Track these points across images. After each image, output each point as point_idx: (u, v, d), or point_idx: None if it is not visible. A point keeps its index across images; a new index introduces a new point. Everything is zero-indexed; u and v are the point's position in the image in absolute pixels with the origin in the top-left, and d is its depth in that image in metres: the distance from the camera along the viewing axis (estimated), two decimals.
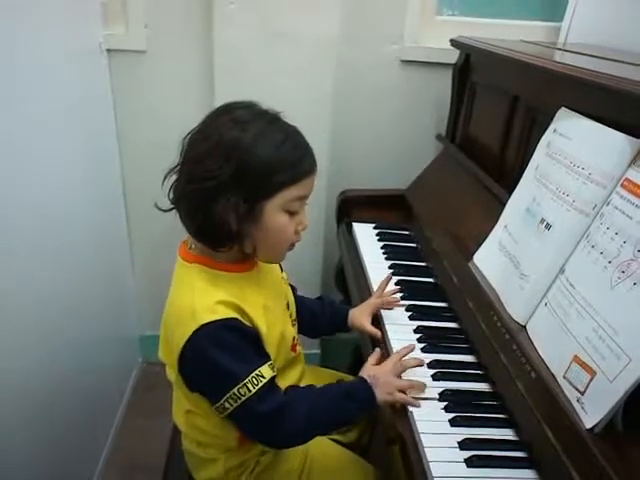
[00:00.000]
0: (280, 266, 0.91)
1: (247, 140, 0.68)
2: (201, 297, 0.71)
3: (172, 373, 0.78)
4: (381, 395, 0.77)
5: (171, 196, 0.74)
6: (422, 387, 0.79)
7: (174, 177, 0.74)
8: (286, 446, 0.81)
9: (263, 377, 0.71)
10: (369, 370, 0.82)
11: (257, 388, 0.70)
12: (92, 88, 1.31)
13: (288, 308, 0.87)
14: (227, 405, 0.71)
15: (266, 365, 0.72)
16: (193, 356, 0.71)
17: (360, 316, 0.96)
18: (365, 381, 0.79)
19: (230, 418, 0.74)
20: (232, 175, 0.67)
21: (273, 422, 0.73)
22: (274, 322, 0.77)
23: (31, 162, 0.98)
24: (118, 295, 1.55)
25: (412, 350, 0.85)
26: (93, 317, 1.32)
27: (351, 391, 0.78)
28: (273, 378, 0.73)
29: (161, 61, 1.42)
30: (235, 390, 0.69)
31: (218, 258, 0.75)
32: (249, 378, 0.70)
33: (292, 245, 0.77)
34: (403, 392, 0.77)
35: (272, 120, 0.72)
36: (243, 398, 0.70)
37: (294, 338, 0.87)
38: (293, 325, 0.88)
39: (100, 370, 1.38)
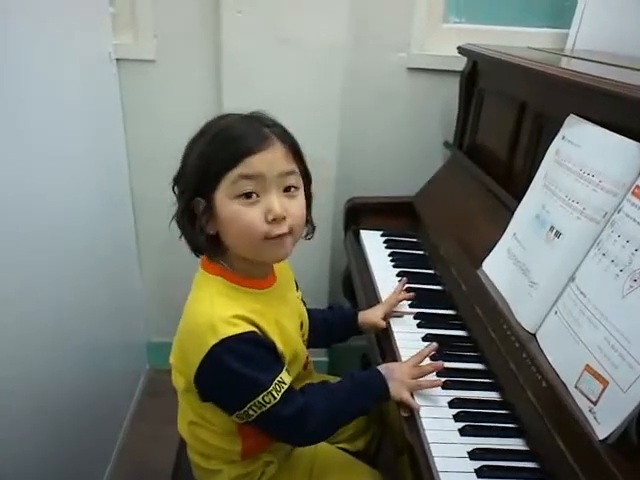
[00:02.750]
0: (296, 285, 0.91)
1: (189, 145, 0.74)
2: (220, 310, 0.71)
3: (180, 380, 0.78)
4: (393, 390, 0.78)
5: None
6: (434, 385, 0.80)
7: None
8: (309, 443, 0.83)
9: (284, 383, 0.72)
10: (387, 364, 0.84)
11: (280, 394, 0.71)
12: (101, 97, 1.33)
13: (301, 328, 0.87)
14: (251, 412, 0.72)
15: (284, 370, 0.74)
16: (214, 368, 0.70)
17: (373, 314, 0.97)
18: (379, 372, 0.80)
19: (253, 423, 0.74)
20: (183, 178, 0.74)
21: (296, 423, 0.74)
22: (287, 339, 0.77)
23: (39, 169, 0.99)
24: (126, 301, 1.56)
25: (435, 349, 0.85)
26: (101, 323, 1.32)
27: (366, 384, 0.80)
28: (290, 383, 0.74)
29: (170, 70, 1.43)
30: (260, 398, 0.70)
31: (239, 273, 0.76)
32: (273, 385, 0.71)
33: (274, 238, 0.70)
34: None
35: (216, 120, 0.74)
36: (268, 405, 0.71)
37: (307, 357, 0.88)
38: (305, 344, 0.88)
39: (107, 376, 1.38)
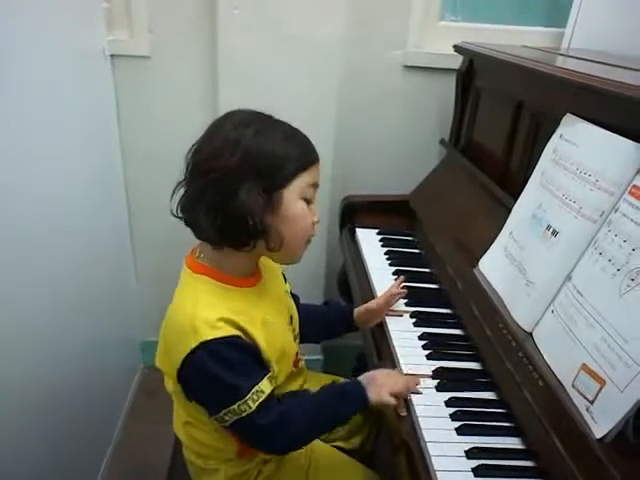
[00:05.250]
0: (284, 278, 0.91)
1: (250, 135, 0.70)
2: (203, 311, 0.70)
3: (170, 382, 0.78)
4: (372, 395, 0.78)
5: (179, 211, 0.74)
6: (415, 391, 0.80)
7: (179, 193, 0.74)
8: (286, 452, 0.82)
9: (263, 392, 0.71)
10: (372, 372, 0.83)
11: (257, 404, 0.70)
12: (96, 93, 1.31)
13: (291, 322, 0.86)
14: (227, 418, 0.71)
15: (265, 379, 0.72)
16: (194, 370, 0.70)
17: (372, 301, 0.99)
18: (359, 382, 0.80)
19: (230, 428, 0.74)
20: (240, 164, 0.68)
21: (272, 433, 0.73)
22: (273, 338, 0.77)
23: (33, 165, 0.98)
24: (120, 300, 1.55)
25: (426, 377, 0.84)
26: (95, 321, 1.31)
27: (344, 393, 0.79)
28: (272, 392, 0.73)
29: (165, 66, 1.42)
30: (235, 406, 0.70)
31: (226, 271, 0.75)
32: (250, 395, 0.70)
33: (309, 241, 0.77)
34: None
35: (270, 117, 0.74)
36: (243, 414, 0.70)
37: (297, 354, 0.87)
38: (295, 339, 0.87)
39: (102, 374, 1.37)
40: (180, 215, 0.74)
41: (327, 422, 0.79)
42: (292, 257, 0.78)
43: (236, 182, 0.68)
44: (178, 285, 0.78)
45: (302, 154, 0.73)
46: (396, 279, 1.06)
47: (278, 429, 0.73)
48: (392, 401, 0.77)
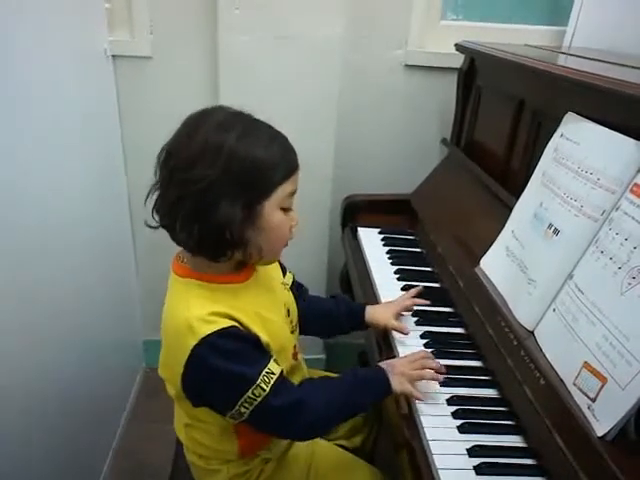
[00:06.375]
0: (283, 270, 0.90)
1: (232, 141, 0.67)
2: (196, 310, 0.69)
3: (171, 389, 0.77)
4: (394, 384, 0.78)
5: (156, 215, 0.71)
6: (436, 378, 0.80)
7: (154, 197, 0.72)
8: (306, 437, 0.82)
9: (273, 373, 0.71)
10: (387, 360, 0.83)
11: (270, 385, 0.70)
12: (97, 94, 1.32)
13: (288, 315, 0.85)
14: (243, 410, 0.70)
15: (272, 361, 0.72)
16: (198, 370, 0.69)
17: (384, 312, 0.95)
18: (382, 369, 0.80)
19: (247, 421, 0.73)
20: (222, 175, 0.65)
21: (291, 415, 0.73)
22: (273, 332, 0.76)
23: (35, 166, 0.98)
24: (122, 299, 1.55)
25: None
26: (97, 321, 1.32)
27: (368, 380, 0.79)
28: (282, 372, 0.73)
29: (166, 67, 1.43)
30: (249, 393, 0.69)
31: (211, 271, 0.73)
32: (261, 377, 0.69)
33: (286, 244, 0.77)
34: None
35: (252, 120, 0.72)
36: (259, 398, 0.69)
37: (295, 346, 0.86)
38: (292, 332, 0.86)
39: (104, 375, 1.38)
40: (156, 218, 0.72)
41: (348, 409, 0.78)
42: (269, 262, 0.79)
43: (217, 194, 0.66)
44: (168, 291, 0.77)
45: (284, 163, 0.71)
46: (403, 289, 1.04)
47: (296, 412, 0.72)
48: (414, 391, 0.77)
